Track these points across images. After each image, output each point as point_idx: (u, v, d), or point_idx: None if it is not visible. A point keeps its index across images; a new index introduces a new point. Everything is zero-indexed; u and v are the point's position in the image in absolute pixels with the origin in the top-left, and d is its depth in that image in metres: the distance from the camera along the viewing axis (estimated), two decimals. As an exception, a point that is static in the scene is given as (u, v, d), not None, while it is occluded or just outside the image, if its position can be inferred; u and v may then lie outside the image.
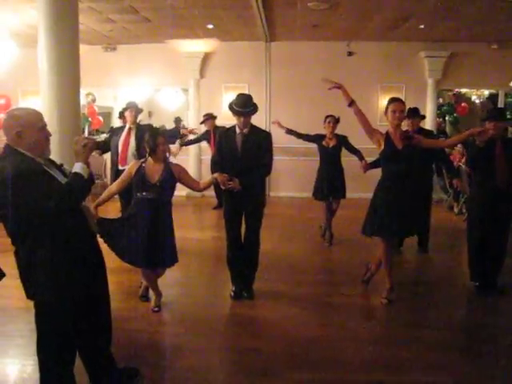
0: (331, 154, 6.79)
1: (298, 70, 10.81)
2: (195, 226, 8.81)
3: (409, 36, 9.87)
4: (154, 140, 4.35)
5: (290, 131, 7.38)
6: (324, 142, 6.82)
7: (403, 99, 10.60)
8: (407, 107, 6.14)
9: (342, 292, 5.05)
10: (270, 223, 7.44)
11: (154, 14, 8.36)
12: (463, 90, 12.92)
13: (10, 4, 7.42)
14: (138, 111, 6.48)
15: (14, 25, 8.58)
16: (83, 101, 10.72)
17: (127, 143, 6.25)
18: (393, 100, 4.65)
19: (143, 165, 4.40)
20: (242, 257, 4.88)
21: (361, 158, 6.41)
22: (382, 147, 4.54)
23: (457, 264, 6.05)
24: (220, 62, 10.98)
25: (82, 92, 10.24)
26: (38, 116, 2.75)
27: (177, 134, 8.70)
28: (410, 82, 10.75)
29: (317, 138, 6.94)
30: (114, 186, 4.62)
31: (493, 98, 13.01)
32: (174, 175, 4.42)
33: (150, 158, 4.41)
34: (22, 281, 2.72)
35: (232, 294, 4.89)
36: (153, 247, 4.27)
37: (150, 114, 15.28)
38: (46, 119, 2.89)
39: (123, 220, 4.50)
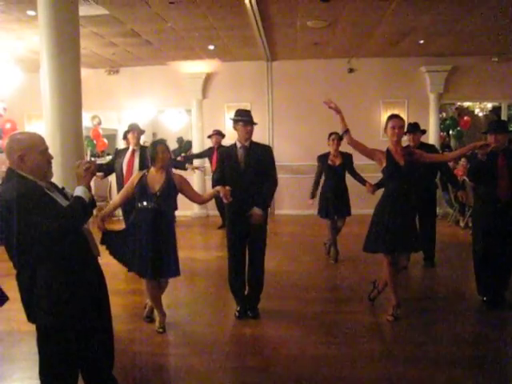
0: (337, 172, 6.73)
1: (300, 88, 10.89)
2: (200, 246, 8.80)
3: (409, 51, 9.94)
4: (154, 148, 4.41)
5: (314, 195, 6.89)
6: (330, 161, 6.72)
7: (406, 114, 10.85)
8: (410, 122, 6.24)
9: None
10: (275, 241, 7.44)
11: (155, 37, 8.48)
12: (466, 104, 12.94)
13: (14, 31, 7.57)
14: (140, 133, 6.54)
15: (18, 51, 8.74)
16: (89, 124, 10.85)
17: (131, 165, 6.29)
18: (391, 117, 4.63)
19: (145, 174, 4.44)
20: (244, 279, 4.86)
21: (362, 181, 6.40)
22: (384, 164, 4.54)
23: (464, 279, 5.97)
24: (222, 82, 11.09)
25: (88, 115, 10.42)
26: (39, 139, 2.78)
27: (183, 166, 8.64)
28: (411, 96, 10.79)
29: (322, 161, 6.82)
30: (117, 198, 4.65)
31: (496, 110, 13.02)
32: (175, 185, 4.42)
33: (152, 167, 4.45)
34: (23, 304, 2.72)
35: (236, 313, 4.85)
36: (156, 257, 4.26)
37: (154, 136, 15.39)
38: (49, 142, 2.92)
39: (126, 231, 4.51)
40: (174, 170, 4.75)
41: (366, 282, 5.35)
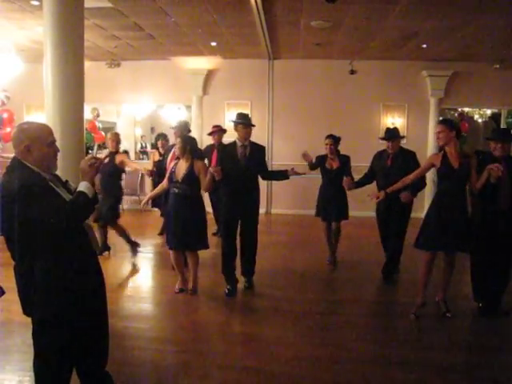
0: (335, 176, 6.47)
1: (301, 87, 10.89)
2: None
3: (411, 55, 9.96)
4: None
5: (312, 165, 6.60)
6: (327, 164, 6.54)
7: (405, 118, 10.90)
8: (389, 127, 6.20)
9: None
10: (272, 241, 7.43)
11: (158, 31, 8.46)
12: (466, 109, 12.96)
13: (16, 20, 7.52)
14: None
15: (19, 40, 8.69)
16: (89, 116, 10.82)
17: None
18: (438, 122, 5.01)
19: (176, 164, 5.24)
20: (234, 263, 5.49)
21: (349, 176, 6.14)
22: (438, 166, 4.73)
23: (458, 284, 5.96)
24: (223, 79, 11.07)
25: (87, 107, 10.38)
26: (47, 131, 2.74)
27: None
28: (412, 100, 10.82)
29: (320, 162, 6.60)
30: (164, 182, 5.41)
31: (495, 117, 13.05)
32: (195, 171, 5.09)
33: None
34: (19, 296, 2.69)
35: (226, 291, 5.33)
36: (182, 233, 5.08)
37: (152, 130, 15.35)
38: None
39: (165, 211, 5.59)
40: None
41: (362, 283, 5.35)
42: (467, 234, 4.71)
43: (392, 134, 5.84)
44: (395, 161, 5.72)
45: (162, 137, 8.47)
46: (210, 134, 8.26)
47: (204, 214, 5.25)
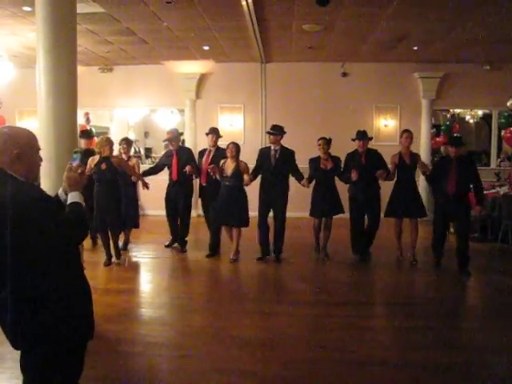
0: (329, 176, 6.95)
1: (293, 90, 10.92)
2: (192, 246, 8.70)
3: (403, 57, 10.01)
4: (227, 146, 6.86)
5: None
6: (322, 165, 6.89)
7: (398, 120, 11.07)
8: (360, 129, 7.07)
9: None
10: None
11: (150, 36, 8.46)
12: (457, 110, 13.05)
13: (8, 26, 7.50)
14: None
15: (11, 46, 8.66)
16: (82, 121, 10.75)
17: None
18: (404, 131, 7.06)
19: (224, 162, 6.81)
20: (267, 238, 7.04)
21: (347, 178, 6.92)
22: (397, 162, 6.77)
23: (449, 283, 5.98)
24: (216, 82, 11.08)
25: (80, 113, 10.32)
26: (35, 137, 2.39)
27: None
28: (404, 102, 10.88)
29: (315, 163, 7.00)
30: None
31: (486, 118, 13.14)
32: (240, 169, 6.68)
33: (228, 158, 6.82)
34: (11, 330, 2.21)
35: (258, 256, 6.97)
36: (229, 213, 6.74)
37: (145, 135, 15.31)
38: (43, 141, 2.71)
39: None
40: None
41: (357, 285, 5.35)
42: (419, 205, 6.84)
43: (364, 135, 6.98)
44: (367, 158, 6.90)
45: (125, 141, 7.85)
46: (208, 134, 7.63)
47: (246, 200, 6.85)
